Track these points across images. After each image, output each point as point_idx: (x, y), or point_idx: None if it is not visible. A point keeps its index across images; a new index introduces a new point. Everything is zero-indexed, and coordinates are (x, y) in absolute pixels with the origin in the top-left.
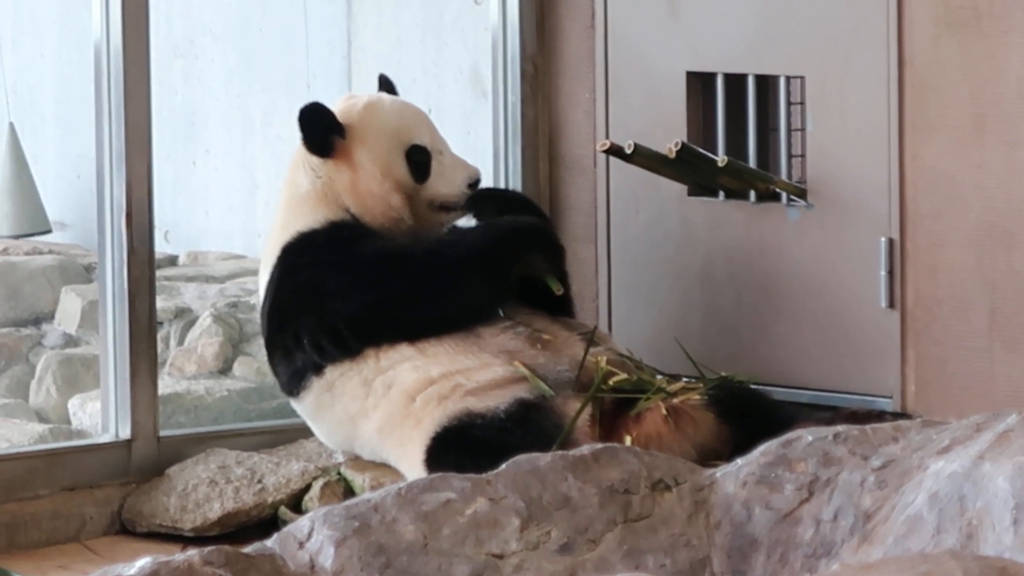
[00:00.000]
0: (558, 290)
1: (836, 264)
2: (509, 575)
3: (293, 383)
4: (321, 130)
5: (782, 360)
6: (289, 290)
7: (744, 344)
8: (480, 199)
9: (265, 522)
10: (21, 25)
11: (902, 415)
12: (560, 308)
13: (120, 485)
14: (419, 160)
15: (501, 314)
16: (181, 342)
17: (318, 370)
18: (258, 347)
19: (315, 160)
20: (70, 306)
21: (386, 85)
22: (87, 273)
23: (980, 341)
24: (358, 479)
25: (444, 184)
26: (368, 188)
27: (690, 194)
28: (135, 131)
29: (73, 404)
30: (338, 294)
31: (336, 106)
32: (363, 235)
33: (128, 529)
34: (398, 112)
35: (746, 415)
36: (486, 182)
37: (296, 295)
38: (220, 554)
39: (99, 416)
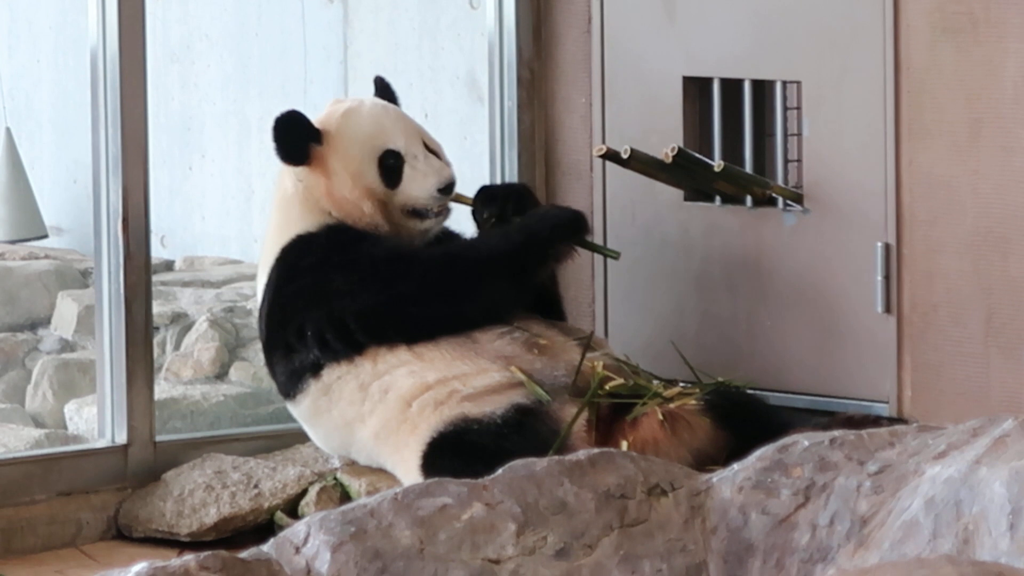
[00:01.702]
0: (616, 256)
1: (832, 269)
2: None
3: (290, 384)
4: (295, 138)
5: (778, 365)
6: (292, 291)
7: (740, 349)
8: (485, 198)
9: (261, 527)
10: (17, 30)
11: (898, 420)
12: (553, 312)
13: (116, 490)
14: (391, 165)
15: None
16: (177, 347)
17: (316, 371)
18: (254, 352)
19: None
20: (66, 311)
21: (382, 88)
22: (83, 278)
23: (976, 346)
24: (354, 484)
25: (415, 188)
26: (341, 194)
27: (686, 199)
28: (131, 136)
29: (69, 409)
30: (347, 292)
31: (323, 111)
32: (365, 237)
33: (124, 534)
34: (374, 117)
35: (742, 420)
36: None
37: (301, 294)
38: (216, 559)
39: (95, 421)
